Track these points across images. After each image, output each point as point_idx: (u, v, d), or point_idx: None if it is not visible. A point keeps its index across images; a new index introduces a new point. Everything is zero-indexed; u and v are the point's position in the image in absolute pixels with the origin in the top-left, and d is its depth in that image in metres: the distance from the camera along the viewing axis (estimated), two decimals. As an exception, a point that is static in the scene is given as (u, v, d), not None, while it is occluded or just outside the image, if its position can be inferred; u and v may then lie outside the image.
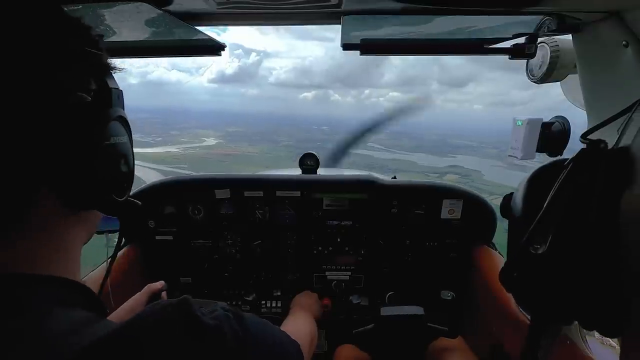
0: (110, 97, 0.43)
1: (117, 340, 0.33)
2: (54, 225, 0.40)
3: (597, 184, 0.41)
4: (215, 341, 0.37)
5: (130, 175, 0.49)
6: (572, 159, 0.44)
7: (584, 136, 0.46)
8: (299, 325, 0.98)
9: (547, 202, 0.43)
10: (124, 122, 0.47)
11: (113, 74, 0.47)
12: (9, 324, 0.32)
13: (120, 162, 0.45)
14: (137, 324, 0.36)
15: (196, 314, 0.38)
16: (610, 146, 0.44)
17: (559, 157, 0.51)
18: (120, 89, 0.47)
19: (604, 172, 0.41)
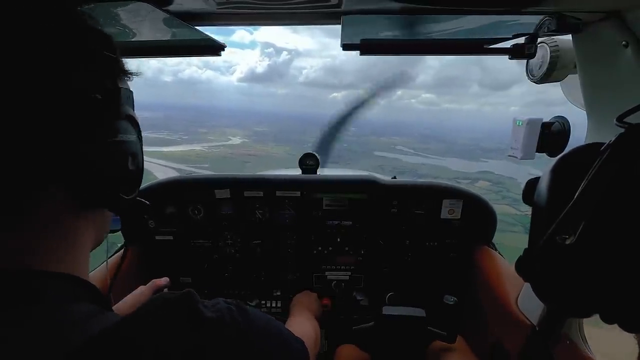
0: (120, 96, 0.43)
1: (120, 332, 0.34)
2: (63, 223, 0.41)
3: (636, 173, 0.38)
4: (215, 333, 0.38)
5: (138, 174, 0.49)
6: (609, 144, 0.40)
7: (620, 119, 0.42)
8: (304, 326, 0.98)
9: (579, 190, 0.40)
10: (133, 121, 0.47)
11: (128, 78, 0.48)
12: (25, 310, 0.33)
13: (128, 160, 0.46)
14: (141, 316, 0.37)
15: (198, 307, 0.39)
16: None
17: (594, 141, 0.46)
18: (131, 90, 0.48)
19: None
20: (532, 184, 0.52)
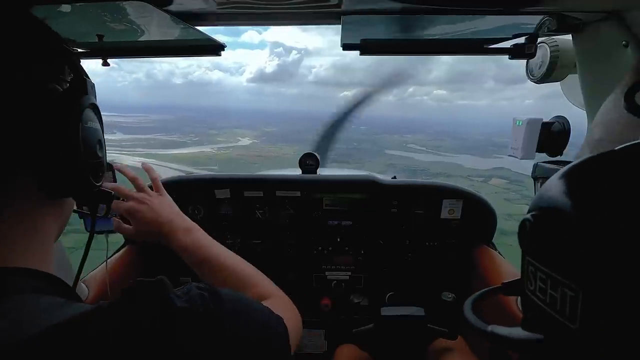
0: (85, 86, 0.45)
1: (86, 320, 0.33)
2: (29, 214, 0.41)
3: None
4: (187, 323, 0.37)
5: (102, 162, 0.50)
6: None
7: (628, 99, 0.37)
8: (280, 302, 0.93)
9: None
10: (97, 110, 0.48)
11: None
12: None
13: (96, 147, 0.47)
14: (110, 306, 0.36)
15: (169, 296, 0.38)
16: None
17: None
18: (93, 82, 0.50)
19: None
20: (543, 216, 0.35)
